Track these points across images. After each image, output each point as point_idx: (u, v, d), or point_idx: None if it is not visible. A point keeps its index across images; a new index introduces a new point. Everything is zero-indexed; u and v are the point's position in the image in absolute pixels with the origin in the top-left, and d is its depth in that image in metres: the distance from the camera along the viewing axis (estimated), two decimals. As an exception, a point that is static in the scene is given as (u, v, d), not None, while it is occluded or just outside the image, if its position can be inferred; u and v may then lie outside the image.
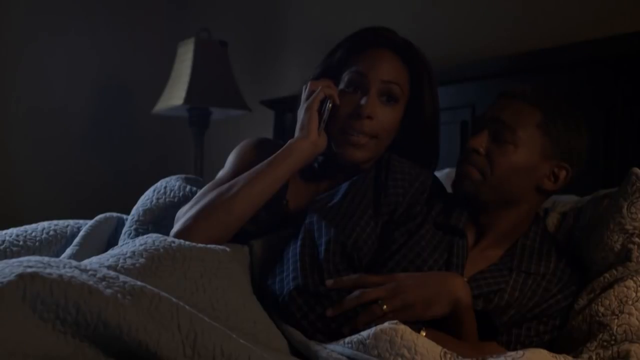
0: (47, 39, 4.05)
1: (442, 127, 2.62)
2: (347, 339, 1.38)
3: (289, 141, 1.75)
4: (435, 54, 2.86)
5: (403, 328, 1.34)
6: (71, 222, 1.97)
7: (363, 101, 1.74)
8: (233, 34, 3.91)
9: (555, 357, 1.33)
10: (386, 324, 1.36)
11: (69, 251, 1.80)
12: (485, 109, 1.71)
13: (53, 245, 1.90)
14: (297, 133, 1.76)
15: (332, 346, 1.39)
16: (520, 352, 1.32)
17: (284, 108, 3.50)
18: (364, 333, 1.36)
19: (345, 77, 1.78)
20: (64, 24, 4.11)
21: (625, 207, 1.55)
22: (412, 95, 1.81)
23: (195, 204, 1.70)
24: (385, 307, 1.47)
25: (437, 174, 2.39)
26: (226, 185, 1.72)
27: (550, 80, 2.37)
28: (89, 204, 4.08)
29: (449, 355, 1.33)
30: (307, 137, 1.73)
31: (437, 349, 1.33)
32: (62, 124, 4.11)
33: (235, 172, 1.81)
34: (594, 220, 1.66)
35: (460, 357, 1.33)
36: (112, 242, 1.91)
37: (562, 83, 2.34)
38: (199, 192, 1.76)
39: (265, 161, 1.74)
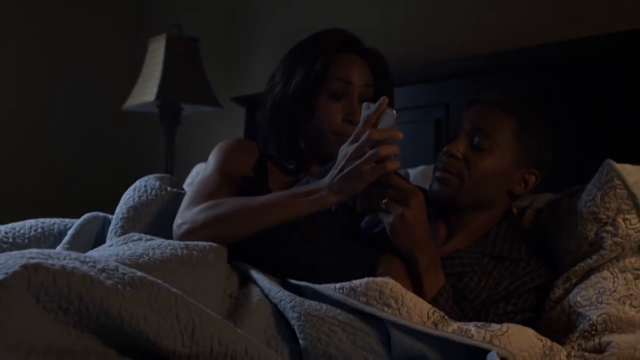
0: (16, 32, 4.02)
1: (417, 125, 2.69)
2: (339, 285, 1.42)
3: (325, 185, 1.59)
4: (409, 53, 2.91)
5: (393, 282, 1.40)
6: (57, 220, 1.97)
7: (350, 107, 1.91)
8: (204, 30, 3.91)
9: (541, 338, 1.36)
10: (379, 277, 1.41)
11: (59, 249, 1.80)
12: (461, 115, 1.78)
13: (41, 242, 1.90)
14: (336, 178, 1.57)
15: (323, 288, 1.44)
16: (504, 327, 1.34)
17: (255, 105, 3.50)
18: (356, 282, 1.41)
19: (330, 84, 1.92)
20: (34, 15, 4.08)
21: (599, 196, 1.59)
22: (375, 95, 1.94)
23: (210, 208, 1.68)
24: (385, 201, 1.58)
25: (411, 171, 2.44)
26: (242, 205, 1.67)
27: (523, 79, 2.41)
28: (58, 201, 4.07)
29: (437, 313, 1.37)
30: (338, 197, 1.59)
31: (426, 306, 1.38)
32: (29, 120, 4.08)
33: (221, 171, 1.88)
34: (568, 211, 1.71)
35: (447, 317, 1.37)
36: (99, 240, 1.92)
37: (535, 82, 2.38)
38: (213, 202, 1.71)
39: (290, 194, 1.64)
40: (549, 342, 1.38)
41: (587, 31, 2.34)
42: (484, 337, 1.31)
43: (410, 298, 1.37)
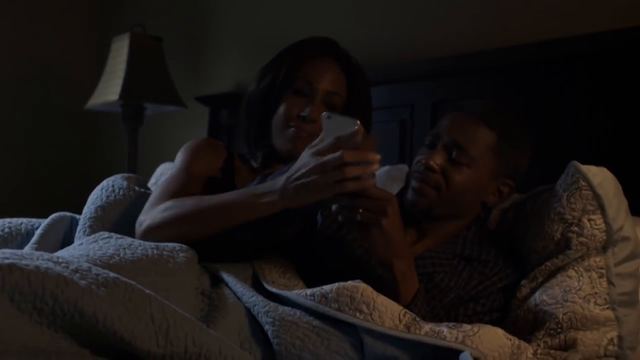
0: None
1: (382, 125, 2.71)
2: (310, 292, 1.42)
3: (277, 188, 1.54)
4: (375, 54, 2.93)
5: (364, 286, 1.39)
6: (24, 220, 1.96)
7: (309, 107, 1.91)
8: (168, 30, 3.90)
9: (510, 337, 1.38)
10: (349, 282, 1.41)
11: (27, 249, 1.78)
12: (439, 125, 1.78)
13: (9, 242, 1.89)
14: (292, 184, 1.51)
15: (294, 296, 1.44)
16: (476, 328, 1.36)
17: (219, 104, 3.52)
18: (327, 287, 1.41)
19: (296, 83, 1.94)
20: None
21: (565, 197, 1.61)
22: (348, 101, 1.98)
23: (171, 207, 1.69)
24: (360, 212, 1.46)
25: (377, 171, 2.46)
26: (202, 205, 1.67)
27: (487, 81, 2.44)
28: (19, 201, 4.03)
29: (408, 315, 1.38)
30: (287, 204, 1.54)
31: (397, 307, 1.38)
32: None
33: (187, 170, 1.90)
34: (534, 212, 1.74)
35: (419, 319, 1.39)
36: (67, 240, 1.91)
37: (499, 84, 2.42)
38: (175, 201, 1.71)
39: (250, 193, 1.60)
40: (517, 341, 1.40)
41: (551, 34, 2.37)
42: (456, 338, 1.33)
43: (382, 301, 1.38)
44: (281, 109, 1.94)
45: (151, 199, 1.78)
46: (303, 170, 1.47)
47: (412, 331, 1.34)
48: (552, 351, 1.45)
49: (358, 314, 1.36)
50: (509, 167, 1.73)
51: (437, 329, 1.35)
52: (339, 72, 1.98)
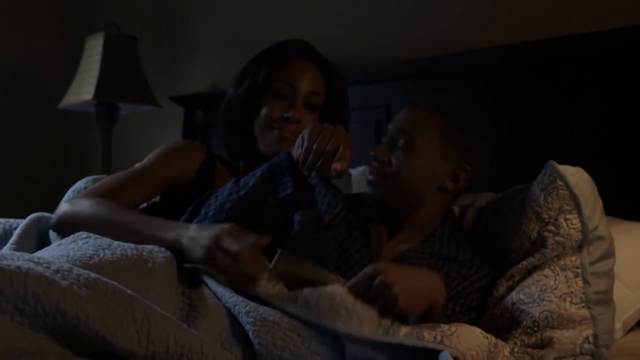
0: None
1: (358, 126, 2.72)
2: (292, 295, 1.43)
3: (179, 234, 1.60)
4: (352, 55, 2.94)
5: (343, 290, 1.40)
6: (2, 220, 1.94)
7: (292, 108, 1.96)
8: (143, 29, 3.89)
9: (487, 336, 1.40)
10: (329, 287, 1.42)
11: (6, 250, 1.77)
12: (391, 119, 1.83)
13: None
14: (198, 242, 1.55)
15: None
16: (453, 327, 1.38)
17: (193, 104, 3.51)
18: (307, 291, 1.41)
19: (276, 85, 1.98)
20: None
21: (542, 197, 1.63)
22: (327, 101, 2.03)
23: (95, 208, 1.77)
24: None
25: (353, 171, 2.48)
26: (121, 222, 1.72)
27: (464, 82, 2.47)
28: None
29: (386, 318, 1.39)
30: (176, 246, 1.59)
31: (375, 314, 1.39)
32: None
33: (151, 167, 1.96)
34: (511, 211, 1.76)
35: (397, 322, 1.40)
36: (45, 241, 1.90)
37: (474, 85, 2.44)
38: (102, 206, 1.79)
39: (160, 225, 1.67)
40: (493, 340, 1.42)
41: (527, 36, 2.40)
42: (435, 338, 1.35)
43: (360, 305, 1.39)
44: (263, 112, 1.97)
45: (96, 185, 1.88)
46: (217, 234, 1.51)
47: (391, 334, 1.35)
48: (529, 349, 1.47)
49: (338, 318, 1.36)
50: (460, 150, 1.74)
51: (415, 330, 1.36)
52: (317, 72, 2.02)
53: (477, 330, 1.40)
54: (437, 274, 1.56)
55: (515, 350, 1.46)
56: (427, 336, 1.35)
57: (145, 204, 2.05)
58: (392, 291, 1.41)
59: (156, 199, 2.07)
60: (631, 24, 2.17)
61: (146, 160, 1.99)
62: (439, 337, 1.35)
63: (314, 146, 1.57)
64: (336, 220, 1.75)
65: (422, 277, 1.50)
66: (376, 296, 1.42)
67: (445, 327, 1.38)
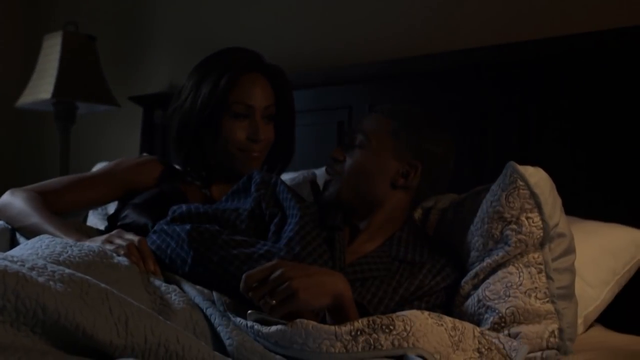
0: None
1: (320, 126, 2.75)
2: (250, 324, 1.40)
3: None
4: (314, 58, 2.96)
5: (291, 323, 1.35)
6: None
7: (253, 127, 2.06)
8: (102, 28, 3.87)
9: (440, 323, 1.40)
10: (279, 326, 1.37)
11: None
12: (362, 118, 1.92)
13: None
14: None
15: (237, 321, 1.43)
16: (408, 325, 1.35)
17: (152, 104, 3.50)
18: (264, 329, 1.38)
19: (232, 107, 2.05)
20: None
21: (504, 196, 1.66)
22: (277, 107, 2.12)
23: (25, 201, 1.92)
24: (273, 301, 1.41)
25: (317, 172, 2.49)
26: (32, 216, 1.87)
27: (425, 85, 2.50)
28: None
29: (344, 328, 1.34)
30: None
31: (329, 328, 1.34)
32: None
33: (108, 174, 2.09)
34: (473, 211, 1.79)
35: (354, 332, 1.34)
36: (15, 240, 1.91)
37: (436, 88, 2.48)
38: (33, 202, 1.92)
39: (64, 227, 1.81)
40: (450, 323, 1.42)
41: (487, 40, 2.44)
42: (392, 343, 1.33)
43: (313, 327, 1.34)
44: (227, 135, 2.05)
45: (44, 182, 2.03)
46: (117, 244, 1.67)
47: (350, 349, 1.32)
48: (501, 336, 1.48)
49: (295, 346, 1.33)
50: (411, 148, 1.80)
51: (373, 336, 1.34)
52: (267, 83, 2.10)
53: (429, 321, 1.40)
54: (338, 272, 1.53)
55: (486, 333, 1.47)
56: (384, 342, 1.32)
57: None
58: (290, 284, 1.38)
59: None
60: (585, 30, 2.22)
61: (101, 167, 2.09)
62: (396, 342, 1.33)
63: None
64: (301, 232, 1.72)
65: (323, 274, 1.46)
66: (274, 289, 1.40)
67: (400, 327, 1.36)
